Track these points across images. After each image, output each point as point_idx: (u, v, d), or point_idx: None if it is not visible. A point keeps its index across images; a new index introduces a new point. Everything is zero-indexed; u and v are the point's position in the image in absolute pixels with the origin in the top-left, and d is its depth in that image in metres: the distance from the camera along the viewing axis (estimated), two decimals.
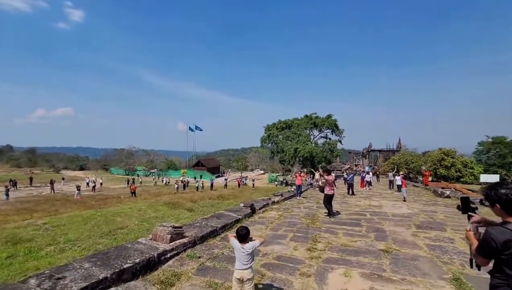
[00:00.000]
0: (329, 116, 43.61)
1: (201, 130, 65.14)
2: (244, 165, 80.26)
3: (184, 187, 31.26)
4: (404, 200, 12.08)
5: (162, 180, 43.14)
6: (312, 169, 32.66)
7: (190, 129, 63.26)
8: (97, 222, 7.93)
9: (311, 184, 21.11)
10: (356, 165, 50.32)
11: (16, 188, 30.21)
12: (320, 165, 8.95)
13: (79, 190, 21.76)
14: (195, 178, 44.91)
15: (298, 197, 13.26)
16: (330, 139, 43.01)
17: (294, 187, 15.52)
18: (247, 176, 49.38)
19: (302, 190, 14.90)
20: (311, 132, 45.00)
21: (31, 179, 35.46)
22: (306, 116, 45.27)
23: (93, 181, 32.30)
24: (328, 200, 8.25)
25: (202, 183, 32.80)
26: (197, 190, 29.59)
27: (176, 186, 28.60)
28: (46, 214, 10.88)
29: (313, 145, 41.73)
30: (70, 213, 10.40)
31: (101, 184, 35.94)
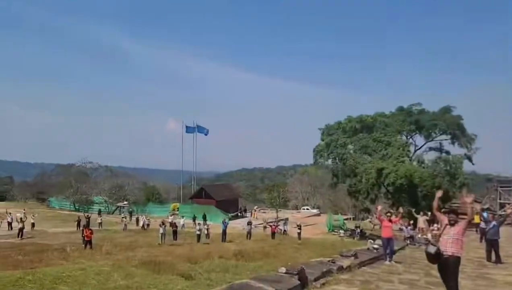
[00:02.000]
0: (446, 110, 42.31)
1: (206, 132, 66.22)
2: (283, 199, 79.63)
3: (175, 234, 31.59)
4: None
5: (138, 221, 44.22)
6: (412, 210, 31.56)
7: (188, 130, 64.57)
8: None
9: (411, 237, 20.73)
10: (507, 205, 47.15)
11: None
12: (437, 191, 8.36)
13: None
14: (194, 219, 45.46)
15: (387, 261, 13.21)
16: (449, 153, 41.58)
17: (378, 242, 15.66)
18: (287, 218, 48.81)
19: (395, 248, 14.84)
20: (411, 139, 43.96)
21: None
22: (402, 109, 44.52)
23: (20, 220, 33.82)
24: (453, 269, 7.81)
25: (208, 229, 33.03)
26: (199, 240, 29.87)
27: (161, 232, 29.07)
28: None
29: (415, 163, 40.56)
30: None
31: (33, 225, 37.44)
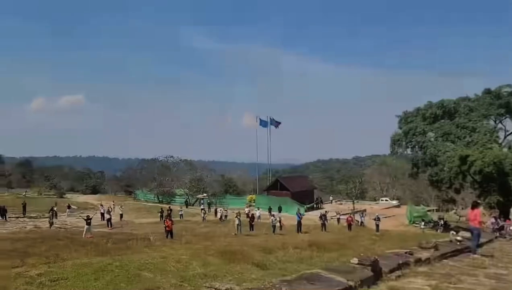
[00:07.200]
0: None
1: (277, 125, 67.37)
2: (360, 189, 78.93)
3: (252, 225, 32.35)
4: None
5: (216, 212, 46.04)
6: (502, 199, 30.16)
7: (262, 124, 66.10)
8: (113, 277, 8.84)
9: (500, 228, 19.75)
10: None
11: (6, 219, 36.59)
12: None
13: (89, 224, 25.21)
14: (270, 211, 46.21)
15: (473, 254, 12.80)
16: None
17: (462, 234, 15.29)
18: (365, 210, 48.31)
19: (483, 240, 14.39)
20: (501, 124, 41.76)
21: (24, 206, 42.52)
22: (489, 92, 42.10)
23: (110, 210, 36.50)
24: None
25: (280, 221, 33.30)
26: (274, 231, 30.33)
27: (237, 223, 29.81)
28: (43, 261, 12.73)
29: (506, 149, 38.27)
30: (76, 259, 11.94)
31: (122, 216, 40.52)
